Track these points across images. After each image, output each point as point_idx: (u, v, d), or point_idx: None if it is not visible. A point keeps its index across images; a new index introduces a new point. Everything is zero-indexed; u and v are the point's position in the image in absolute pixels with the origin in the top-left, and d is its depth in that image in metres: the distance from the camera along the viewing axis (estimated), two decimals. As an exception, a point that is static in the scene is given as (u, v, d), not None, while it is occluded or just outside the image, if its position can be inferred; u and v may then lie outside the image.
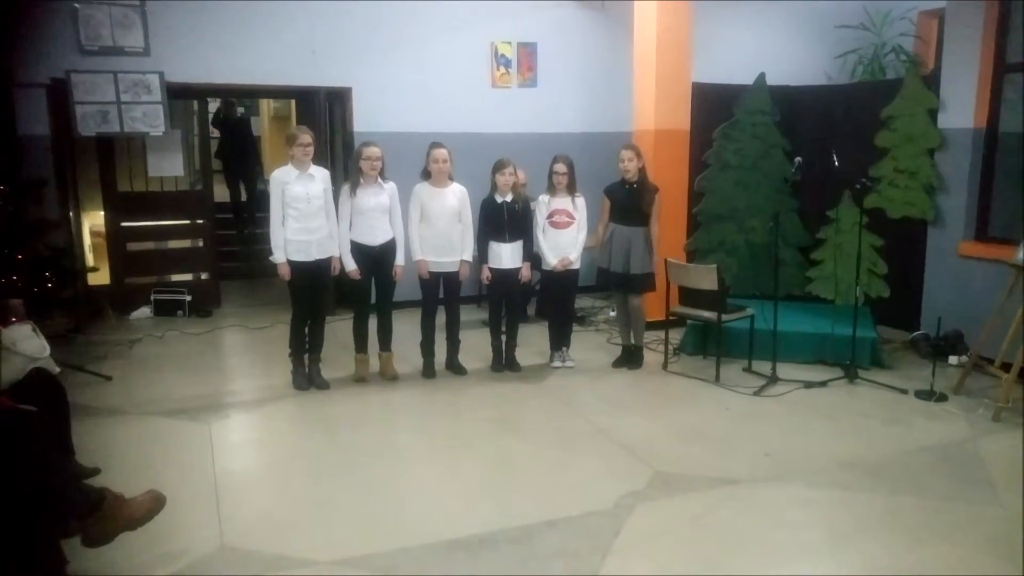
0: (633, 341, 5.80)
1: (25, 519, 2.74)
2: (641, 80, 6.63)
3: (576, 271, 5.69)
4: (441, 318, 5.54)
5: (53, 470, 2.85)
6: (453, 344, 5.63)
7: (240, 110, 11.09)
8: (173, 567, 3.10)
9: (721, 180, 6.81)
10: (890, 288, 6.37)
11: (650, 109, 6.50)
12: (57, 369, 3.55)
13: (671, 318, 5.78)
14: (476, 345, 5.91)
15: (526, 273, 5.61)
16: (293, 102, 10.45)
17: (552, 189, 5.58)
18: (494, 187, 5.46)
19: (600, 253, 5.71)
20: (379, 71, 7.33)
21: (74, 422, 3.83)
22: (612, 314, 6.93)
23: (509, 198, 5.46)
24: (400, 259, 5.35)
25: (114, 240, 7.43)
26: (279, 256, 5.05)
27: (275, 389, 5.30)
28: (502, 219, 5.45)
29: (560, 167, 5.51)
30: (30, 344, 3.46)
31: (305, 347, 5.32)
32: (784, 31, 8.26)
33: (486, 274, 5.55)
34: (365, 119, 7.26)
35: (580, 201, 5.60)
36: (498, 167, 5.43)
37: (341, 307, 6.95)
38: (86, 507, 2.86)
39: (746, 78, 6.80)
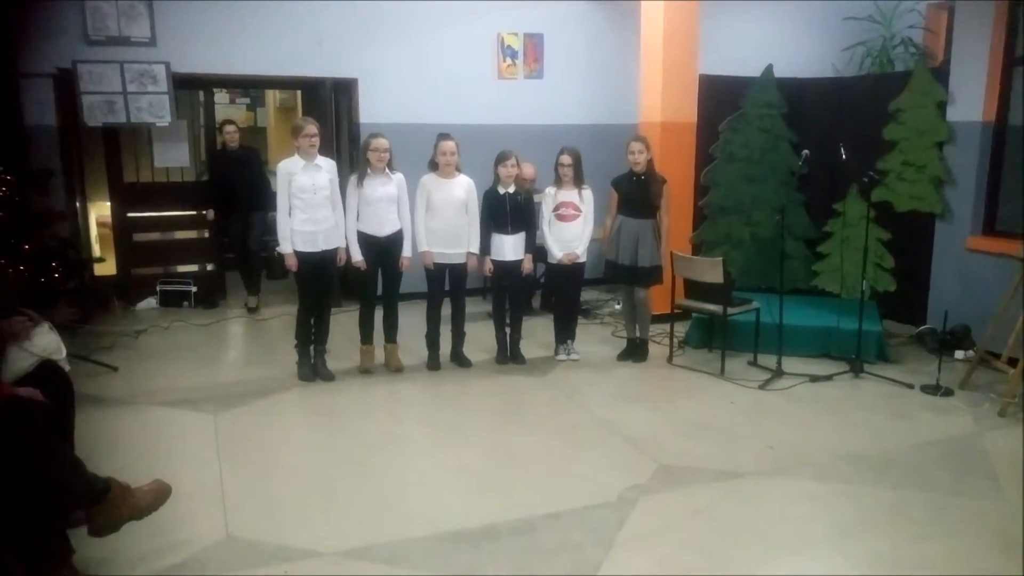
0: (638, 334, 5.79)
1: (31, 508, 2.75)
2: (648, 72, 6.60)
3: (582, 264, 5.68)
4: (446, 310, 5.54)
5: (59, 459, 2.86)
6: (458, 336, 5.63)
7: (232, 128, 7.33)
8: (178, 557, 3.12)
9: (727, 173, 6.79)
10: (897, 282, 6.34)
11: (657, 101, 6.48)
12: (68, 367, 3.56)
13: (676, 311, 5.77)
14: (481, 337, 5.91)
15: (528, 265, 5.60)
16: (299, 93, 10.41)
17: (559, 181, 5.57)
18: (496, 179, 5.46)
19: (608, 246, 5.69)
20: (385, 62, 7.31)
21: (80, 412, 3.84)
22: (617, 307, 6.92)
23: (512, 189, 5.45)
24: (407, 250, 5.35)
25: (120, 231, 7.44)
26: (286, 247, 5.07)
27: (280, 380, 5.31)
28: (504, 211, 5.44)
29: (565, 159, 5.50)
30: (45, 341, 3.46)
31: (311, 338, 5.33)
32: (791, 23, 8.21)
33: (488, 266, 5.55)
34: (371, 110, 7.26)
35: (587, 194, 5.59)
36: (500, 159, 5.42)
37: (347, 298, 6.96)
38: (92, 497, 2.87)
39: (753, 70, 6.75)
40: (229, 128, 7.32)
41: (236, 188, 7.21)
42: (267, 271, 7.89)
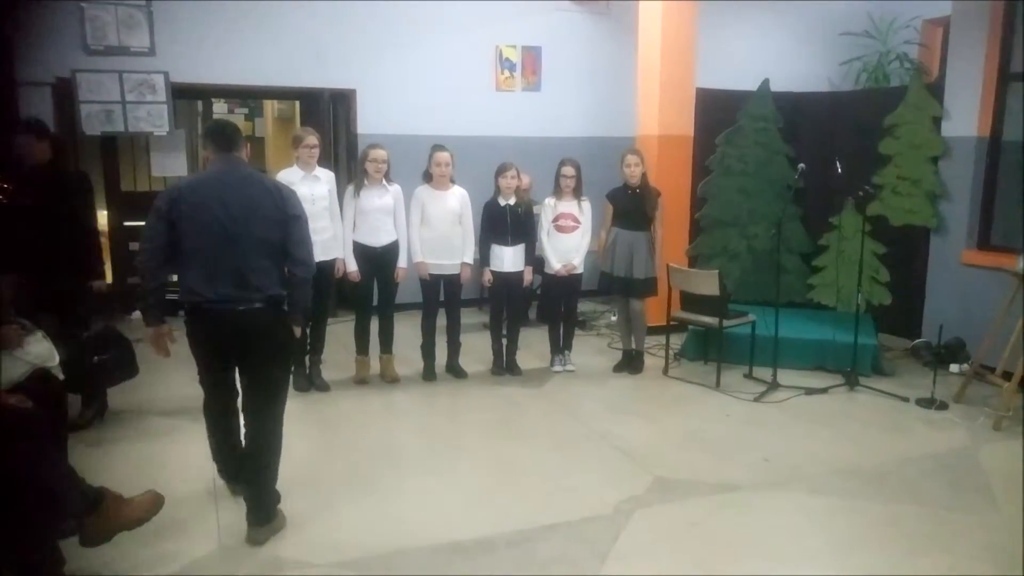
0: (634, 346, 5.80)
1: (23, 518, 2.74)
2: (645, 85, 6.63)
3: (579, 275, 5.69)
4: (442, 321, 5.54)
5: (52, 468, 2.85)
6: (453, 347, 5.63)
7: (26, 140, 4.35)
8: (171, 567, 3.10)
9: (724, 186, 6.81)
10: (892, 295, 6.36)
11: (654, 114, 6.50)
12: (62, 376, 3.56)
13: (672, 323, 5.77)
14: (477, 348, 5.91)
15: (528, 277, 5.61)
16: (297, 103, 10.42)
17: (559, 192, 5.59)
18: (497, 190, 5.47)
19: (603, 258, 5.70)
20: (383, 73, 7.34)
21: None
22: (613, 318, 6.92)
23: (512, 201, 5.46)
24: (402, 261, 5.36)
25: (117, 239, 7.44)
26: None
27: (275, 390, 5.29)
28: (504, 222, 5.45)
29: (568, 170, 5.52)
30: (39, 348, 3.46)
31: (306, 348, 5.32)
32: (788, 38, 8.26)
33: (487, 277, 5.56)
34: (369, 121, 7.27)
35: (586, 205, 5.60)
36: (501, 170, 5.44)
37: (342, 309, 6.95)
38: (84, 506, 2.86)
39: (750, 84, 6.79)
40: (23, 140, 4.31)
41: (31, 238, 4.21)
42: (95, 378, 4.53)
